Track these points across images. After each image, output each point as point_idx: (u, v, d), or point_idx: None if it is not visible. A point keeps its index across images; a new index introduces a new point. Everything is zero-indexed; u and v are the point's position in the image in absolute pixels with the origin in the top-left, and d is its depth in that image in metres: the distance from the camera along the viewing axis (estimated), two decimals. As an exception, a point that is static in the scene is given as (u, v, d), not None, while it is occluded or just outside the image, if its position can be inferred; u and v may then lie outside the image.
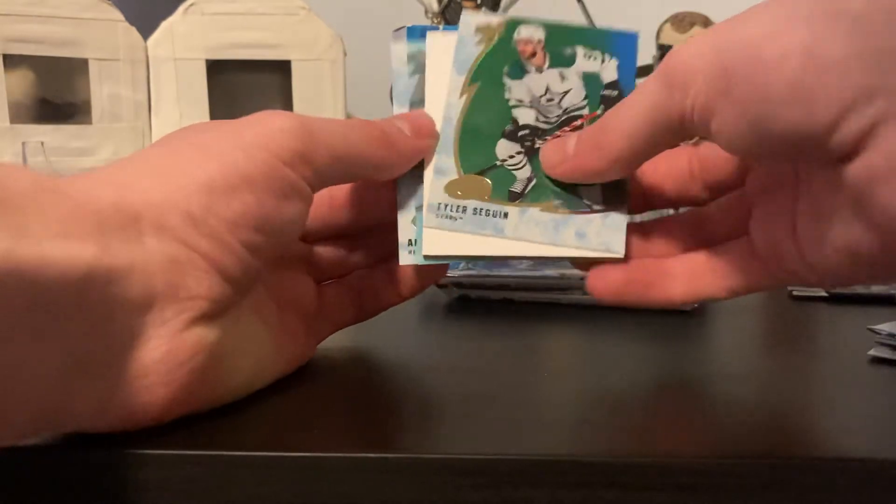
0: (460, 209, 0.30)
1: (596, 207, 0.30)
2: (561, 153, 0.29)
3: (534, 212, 0.30)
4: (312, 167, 0.26)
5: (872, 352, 0.34)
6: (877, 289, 0.46)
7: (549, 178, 0.30)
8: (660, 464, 0.23)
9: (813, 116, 0.22)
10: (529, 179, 0.30)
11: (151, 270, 0.23)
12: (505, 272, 0.46)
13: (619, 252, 0.30)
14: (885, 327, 0.36)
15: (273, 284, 0.30)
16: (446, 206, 0.30)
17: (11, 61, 0.59)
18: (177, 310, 0.23)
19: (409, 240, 0.30)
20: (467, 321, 0.43)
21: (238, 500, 0.24)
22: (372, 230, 0.34)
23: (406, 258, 0.30)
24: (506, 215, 0.30)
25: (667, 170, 0.31)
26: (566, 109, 0.30)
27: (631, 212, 0.30)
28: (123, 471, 0.24)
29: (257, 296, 0.28)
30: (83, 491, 0.24)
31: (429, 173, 0.30)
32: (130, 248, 0.22)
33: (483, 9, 0.64)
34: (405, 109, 0.31)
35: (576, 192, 0.30)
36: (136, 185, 0.24)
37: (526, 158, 0.30)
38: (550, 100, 0.30)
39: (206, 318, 0.24)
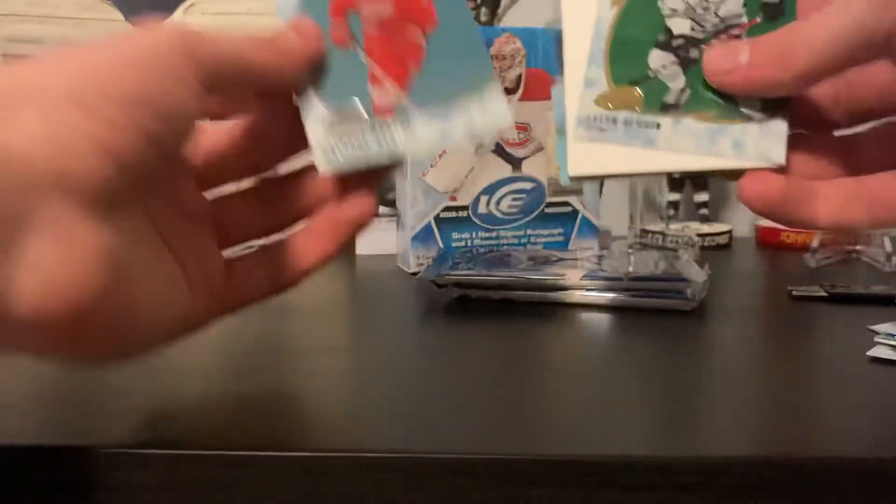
0: (610, 121, 0.29)
1: (755, 116, 0.28)
2: (731, 61, 0.28)
3: (688, 122, 0.29)
4: (200, 64, 0.26)
5: (872, 352, 0.34)
6: (877, 289, 0.46)
7: (705, 87, 0.29)
8: (660, 463, 0.23)
9: None
10: (683, 90, 0.29)
11: (30, 152, 0.21)
12: (505, 272, 0.46)
13: (780, 161, 0.28)
14: (884, 327, 0.36)
15: (173, 237, 0.28)
16: (596, 118, 0.29)
17: (11, 62, 0.59)
18: (66, 195, 0.22)
19: (326, 147, 0.30)
20: (467, 321, 0.43)
21: (239, 499, 0.24)
22: (282, 186, 0.32)
23: (325, 165, 0.30)
24: (658, 126, 0.29)
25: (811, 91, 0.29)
26: (723, 18, 0.29)
27: (790, 121, 0.28)
28: (124, 469, 0.24)
29: (156, 241, 0.27)
30: (82, 489, 0.24)
31: (577, 85, 0.29)
32: (6, 129, 0.21)
33: (483, 9, 0.64)
34: None
35: (733, 102, 0.29)
36: (13, 74, 0.23)
37: (680, 69, 0.29)
38: (706, 8, 0.29)
39: (101, 211, 0.23)
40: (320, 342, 0.38)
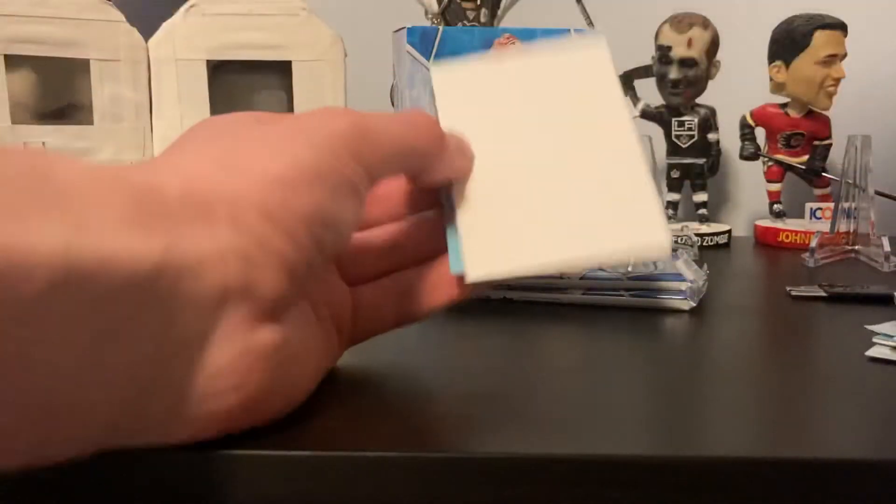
0: None
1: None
2: None
3: None
4: (365, 167, 0.25)
5: (870, 352, 0.34)
6: (875, 288, 0.46)
7: None
8: (660, 464, 0.23)
9: None
10: None
11: (224, 266, 0.21)
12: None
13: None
14: (882, 327, 0.36)
15: (315, 295, 0.28)
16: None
17: (13, 62, 0.59)
18: (247, 308, 0.22)
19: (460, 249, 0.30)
20: (467, 321, 0.43)
21: (238, 498, 0.24)
22: (410, 232, 0.32)
23: (458, 266, 0.29)
24: None
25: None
26: None
27: None
28: (123, 469, 0.24)
29: (305, 310, 0.27)
30: (79, 489, 0.24)
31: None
32: (202, 242, 0.21)
33: (483, 10, 0.64)
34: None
35: None
36: (207, 176, 0.22)
37: None
38: None
39: (271, 317, 0.23)
40: (321, 342, 0.38)
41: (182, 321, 0.21)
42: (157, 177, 0.21)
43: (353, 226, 0.27)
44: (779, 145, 0.71)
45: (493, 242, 0.29)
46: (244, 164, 0.23)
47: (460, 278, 0.30)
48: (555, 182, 0.30)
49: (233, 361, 0.22)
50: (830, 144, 0.70)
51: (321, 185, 0.24)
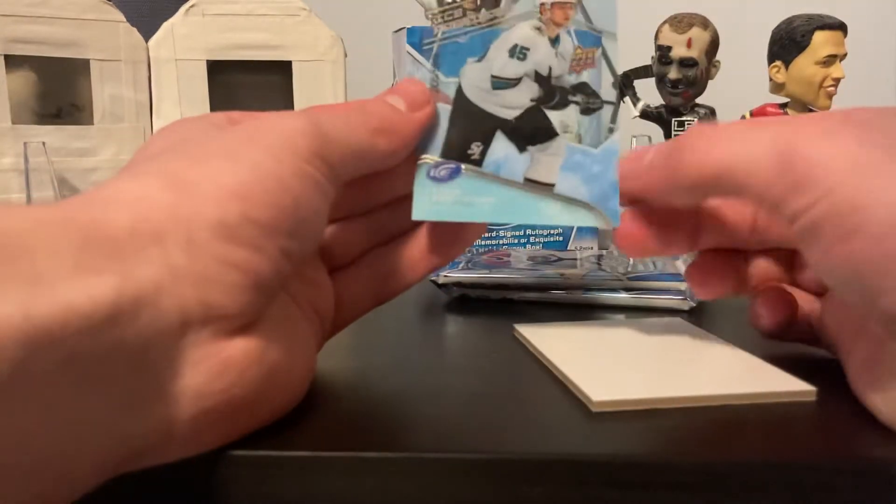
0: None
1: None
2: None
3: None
4: (328, 164, 0.25)
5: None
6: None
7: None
8: (660, 463, 0.23)
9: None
10: None
11: (181, 291, 0.21)
12: (505, 272, 0.46)
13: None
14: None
15: (294, 290, 0.28)
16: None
17: (13, 62, 0.59)
18: (212, 328, 0.22)
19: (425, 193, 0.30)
20: (467, 321, 0.43)
21: (238, 499, 0.24)
22: (383, 206, 0.32)
23: (419, 213, 0.30)
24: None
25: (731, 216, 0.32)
26: None
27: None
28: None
29: (289, 308, 0.27)
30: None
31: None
32: (155, 271, 0.21)
33: (482, 10, 0.64)
34: None
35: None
36: (158, 201, 0.22)
37: None
38: None
39: (241, 330, 0.23)
40: (321, 342, 0.38)
41: (151, 352, 0.21)
42: (103, 212, 0.21)
43: (322, 226, 0.26)
44: (779, 145, 0.71)
45: (602, 377, 0.30)
46: (197, 181, 0.22)
47: (434, 243, 0.31)
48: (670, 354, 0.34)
49: (211, 381, 0.22)
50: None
51: (283, 192, 0.23)
